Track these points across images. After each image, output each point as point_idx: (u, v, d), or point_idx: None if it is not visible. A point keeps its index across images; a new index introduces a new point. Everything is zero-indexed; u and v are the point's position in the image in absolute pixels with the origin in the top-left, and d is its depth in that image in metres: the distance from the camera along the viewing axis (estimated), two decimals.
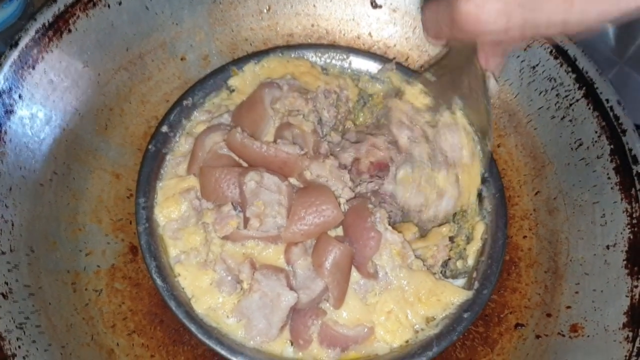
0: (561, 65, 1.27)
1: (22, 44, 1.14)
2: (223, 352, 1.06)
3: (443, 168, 1.16)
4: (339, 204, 1.11)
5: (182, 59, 1.36)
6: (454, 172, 1.16)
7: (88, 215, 1.21)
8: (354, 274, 1.11)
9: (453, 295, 1.14)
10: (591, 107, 1.23)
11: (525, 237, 1.29)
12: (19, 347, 1.01)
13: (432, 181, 1.15)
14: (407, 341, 1.11)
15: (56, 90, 1.19)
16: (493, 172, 1.25)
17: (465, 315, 1.12)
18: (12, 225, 1.09)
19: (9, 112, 1.13)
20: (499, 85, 1.16)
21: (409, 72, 1.34)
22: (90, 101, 1.24)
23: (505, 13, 0.80)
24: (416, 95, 1.23)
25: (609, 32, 1.58)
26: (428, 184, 1.15)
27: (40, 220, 1.14)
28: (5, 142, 1.11)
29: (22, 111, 1.14)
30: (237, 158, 1.17)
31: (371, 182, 1.22)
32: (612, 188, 1.19)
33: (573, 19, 0.76)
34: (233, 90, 1.30)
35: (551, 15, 0.77)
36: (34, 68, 1.16)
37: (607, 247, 1.17)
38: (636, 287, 1.10)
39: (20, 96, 1.14)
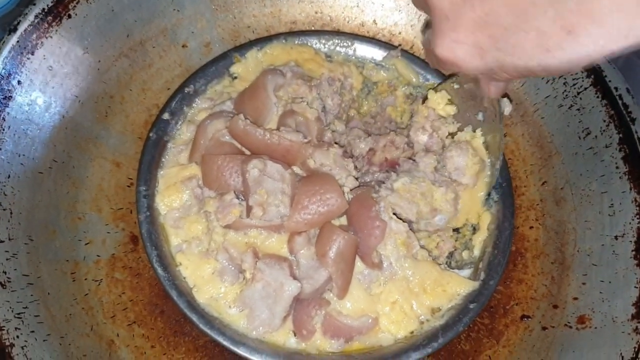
0: None
1: (21, 29, 1.12)
2: (225, 343, 1.04)
3: (444, 185, 1.15)
4: (343, 193, 1.09)
5: (183, 46, 1.34)
6: (454, 191, 1.15)
7: (88, 204, 1.20)
8: (358, 264, 1.09)
9: (459, 285, 1.12)
10: (600, 96, 1.21)
11: (531, 227, 1.27)
12: (17, 336, 0.99)
13: (429, 196, 1.14)
14: (412, 332, 1.10)
15: (56, 76, 1.17)
16: (500, 161, 1.23)
17: (471, 306, 1.11)
18: (11, 213, 1.07)
19: (8, 98, 1.11)
20: (511, 106, 1.16)
21: (414, 59, 1.32)
22: (90, 88, 1.22)
23: (477, 55, 0.78)
24: (440, 102, 1.23)
25: None
26: (424, 197, 1.13)
27: (40, 208, 1.12)
28: (3, 129, 1.09)
29: (21, 97, 1.12)
30: (239, 146, 1.15)
31: (378, 173, 1.21)
32: (620, 177, 1.17)
33: (552, 64, 0.73)
34: (235, 78, 1.28)
35: (527, 60, 0.74)
36: (33, 54, 1.14)
37: (616, 237, 1.15)
38: None
39: (19, 82, 1.12)
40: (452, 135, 1.23)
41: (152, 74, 1.31)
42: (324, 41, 1.32)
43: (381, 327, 1.09)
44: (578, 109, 1.24)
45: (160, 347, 1.14)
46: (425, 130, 1.23)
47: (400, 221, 1.10)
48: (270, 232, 1.09)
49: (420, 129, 1.24)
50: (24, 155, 1.11)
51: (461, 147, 1.17)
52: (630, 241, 1.13)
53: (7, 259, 1.04)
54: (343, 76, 1.28)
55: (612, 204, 1.17)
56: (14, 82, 1.12)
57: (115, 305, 1.14)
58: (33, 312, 1.03)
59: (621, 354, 1.05)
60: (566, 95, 1.25)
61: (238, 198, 1.10)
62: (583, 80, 1.23)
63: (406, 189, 1.13)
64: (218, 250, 1.08)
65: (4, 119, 1.10)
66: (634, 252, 1.11)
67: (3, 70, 1.10)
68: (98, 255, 1.17)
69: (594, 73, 1.22)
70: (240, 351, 1.04)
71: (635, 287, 1.09)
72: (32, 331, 1.01)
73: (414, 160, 1.19)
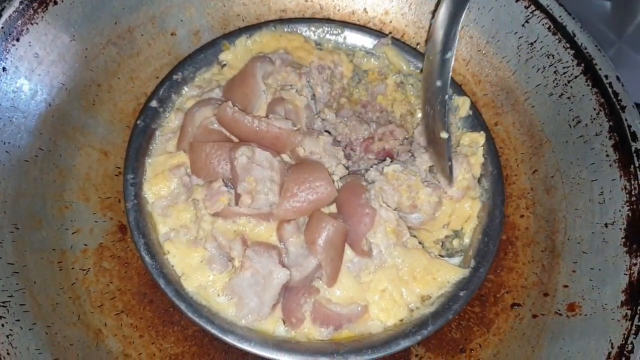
0: (560, 41, 1.24)
1: (5, 15, 1.11)
2: (213, 331, 1.03)
3: (431, 187, 1.15)
4: (333, 181, 1.08)
5: (172, 34, 1.33)
6: (439, 197, 1.15)
7: (75, 193, 1.18)
8: (348, 252, 1.09)
9: (449, 273, 1.12)
10: (590, 84, 1.21)
11: (522, 216, 1.27)
12: (2, 325, 0.98)
13: (415, 191, 1.13)
14: (401, 320, 1.09)
15: (42, 63, 1.16)
16: (491, 149, 1.23)
17: (462, 294, 1.10)
18: None
19: None
20: None
21: (405, 47, 1.31)
22: (77, 76, 1.21)
23: None
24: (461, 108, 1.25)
25: (608, 11, 1.56)
26: (409, 190, 1.13)
27: (25, 197, 1.10)
28: None
29: (6, 85, 1.11)
30: (227, 134, 1.14)
31: (374, 161, 1.21)
32: (610, 165, 1.17)
33: None
34: (224, 65, 1.27)
35: None
36: (18, 40, 1.12)
37: (606, 225, 1.15)
38: (635, 265, 1.08)
39: (4, 69, 1.11)
40: (457, 143, 1.24)
41: (141, 62, 1.30)
42: (313, 29, 1.32)
43: (371, 315, 1.09)
44: (568, 97, 1.23)
45: (149, 336, 1.13)
46: None
47: (390, 209, 1.10)
48: (259, 220, 1.08)
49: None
50: (9, 143, 1.10)
51: (457, 159, 1.17)
52: (620, 229, 1.13)
53: None
54: (333, 64, 1.28)
55: (602, 192, 1.17)
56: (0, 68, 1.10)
57: (103, 295, 1.13)
58: (18, 301, 1.02)
59: (611, 340, 1.05)
60: (556, 83, 1.25)
61: (227, 186, 1.10)
62: (573, 69, 1.23)
63: (395, 177, 1.12)
64: (206, 238, 1.07)
65: None
66: (623, 240, 1.11)
67: None
68: (85, 245, 1.15)
69: (584, 61, 1.22)
70: (229, 339, 1.03)
71: (624, 274, 1.09)
72: (18, 320, 1.00)
73: (412, 154, 1.18)
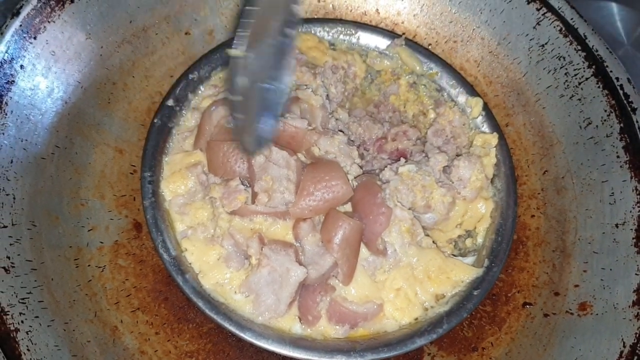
0: (571, 44, 1.26)
1: (23, 13, 1.11)
2: (231, 328, 1.04)
3: (445, 187, 1.15)
4: (348, 180, 1.09)
5: (186, 34, 1.33)
6: (453, 197, 1.16)
7: (91, 191, 1.19)
8: (363, 251, 1.10)
9: (463, 273, 1.13)
10: (601, 86, 1.22)
11: (533, 216, 1.28)
12: (22, 322, 0.99)
13: (429, 191, 1.14)
14: (416, 319, 1.10)
15: (58, 61, 1.16)
16: (503, 150, 1.24)
17: (475, 293, 1.12)
18: (14, 198, 1.06)
19: (10, 82, 1.10)
20: None
21: (418, 47, 1.32)
22: (93, 74, 1.21)
23: None
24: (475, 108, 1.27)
25: (615, 14, 1.57)
26: (423, 190, 1.14)
27: (42, 194, 1.11)
28: (6, 114, 1.08)
29: (23, 82, 1.11)
30: None
31: (388, 160, 1.22)
32: (621, 166, 1.18)
33: None
34: None
35: None
36: (35, 38, 1.13)
37: (616, 225, 1.16)
38: None
39: (21, 66, 1.11)
40: (470, 143, 1.25)
41: (155, 61, 1.31)
42: (327, 29, 1.33)
43: (386, 314, 1.10)
44: (579, 99, 1.25)
45: (164, 333, 1.13)
46: (444, 133, 1.25)
47: (405, 208, 1.11)
48: (275, 219, 1.09)
49: (439, 132, 1.25)
50: (26, 140, 1.11)
51: (471, 160, 1.18)
52: (631, 229, 1.14)
53: (10, 244, 1.03)
54: (346, 64, 1.29)
55: (612, 193, 1.18)
56: (17, 67, 1.11)
57: (118, 292, 1.14)
58: (37, 298, 1.03)
59: (623, 340, 1.06)
60: (567, 85, 1.26)
61: (243, 184, 1.10)
62: (584, 71, 1.24)
63: (410, 177, 1.13)
64: (223, 236, 1.08)
65: (6, 103, 1.09)
66: (634, 240, 1.13)
67: (6, 55, 1.10)
68: (101, 242, 1.16)
69: (596, 63, 1.23)
70: (247, 336, 1.04)
71: (636, 274, 1.10)
72: (36, 316, 1.01)
73: (426, 154, 1.19)
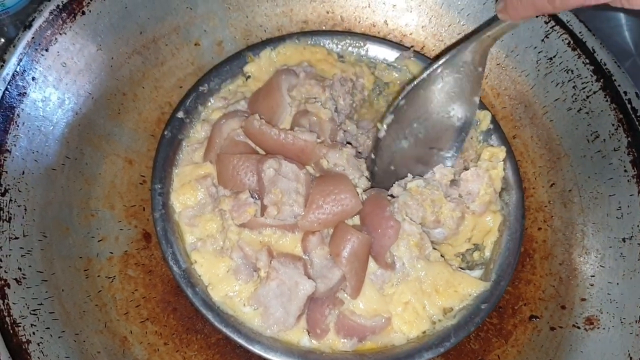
0: (579, 57, 1.26)
1: (36, 25, 1.12)
2: (240, 341, 1.05)
3: (454, 202, 1.16)
4: (357, 194, 1.10)
5: (195, 45, 1.34)
6: (462, 212, 1.16)
7: (101, 201, 1.20)
8: (371, 264, 1.11)
9: (470, 286, 1.14)
10: (609, 100, 1.22)
11: (539, 229, 1.28)
12: (34, 333, 0.99)
13: (438, 206, 1.15)
14: (424, 332, 1.11)
15: (69, 73, 1.17)
16: (511, 162, 1.24)
17: (483, 307, 1.12)
18: (25, 210, 1.07)
19: (23, 94, 1.11)
20: None
21: (427, 60, 1.33)
22: (103, 85, 1.22)
23: None
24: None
25: (624, 24, 1.58)
26: (432, 205, 1.14)
27: (53, 205, 1.12)
28: (18, 125, 1.09)
29: (35, 94, 1.12)
30: (253, 145, 1.16)
31: None
32: (628, 181, 1.18)
33: None
34: (249, 77, 1.28)
35: None
36: (47, 50, 1.14)
37: (623, 239, 1.17)
38: None
39: (33, 78, 1.12)
40: (478, 157, 1.26)
41: (165, 72, 1.31)
42: (336, 41, 1.33)
43: (394, 327, 1.10)
44: (587, 112, 1.25)
45: (173, 344, 1.14)
46: None
47: (414, 222, 1.12)
48: (284, 232, 1.10)
49: None
50: (37, 151, 1.12)
51: (478, 173, 1.18)
52: (638, 243, 1.15)
53: (22, 256, 1.04)
54: (355, 76, 1.29)
55: (619, 207, 1.19)
56: (29, 79, 1.12)
57: (128, 302, 1.15)
58: (48, 309, 1.03)
59: (630, 355, 1.07)
60: (575, 98, 1.27)
61: (253, 197, 1.11)
62: (592, 84, 1.24)
63: (418, 192, 1.13)
64: (233, 248, 1.09)
65: (18, 115, 1.10)
66: None
67: (18, 67, 1.10)
68: (111, 252, 1.17)
69: (604, 77, 1.23)
70: (255, 349, 1.05)
71: None
72: (47, 328, 1.02)
73: (432, 169, 1.20)
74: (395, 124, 1.20)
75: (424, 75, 1.17)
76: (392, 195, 1.14)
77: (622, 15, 1.59)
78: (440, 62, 1.15)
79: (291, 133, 1.11)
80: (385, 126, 1.20)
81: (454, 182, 1.18)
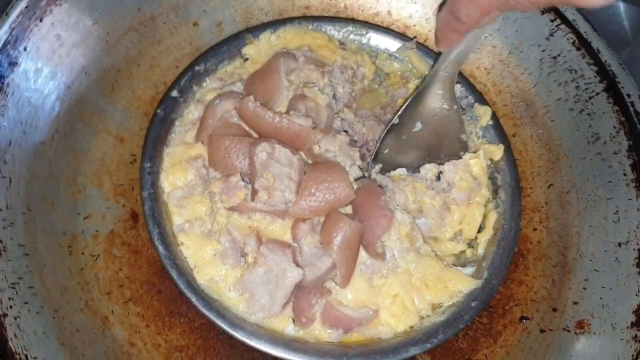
0: (583, 57, 1.24)
1: None
2: (223, 326, 1.03)
3: (435, 190, 1.16)
4: (351, 183, 1.07)
5: (194, 24, 1.32)
6: (443, 199, 1.15)
7: (89, 178, 1.17)
8: (362, 254, 1.08)
9: (461, 283, 1.11)
10: (611, 101, 1.20)
11: (535, 229, 1.26)
12: (11, 307, 0.97)
13: (420, 194, 1.14)
14: (411, 327, 1.09)
15: (63, 45, 1.14)
16: (509, 160, 1.22)
17: (473, 304, 1.10)
18: (10, 181, 1.05)
19: (13, 64, 1.08)
20: None
21: (429, 52, 1.30)
22: (97, 60, 1.20)
23: None
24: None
25: (622, 12, 1.56)
26: (414, 193, 1.14)
27: (39, 179, 1.09)
28: (7, 95, 1.07)
29: (26, 64, 1.10)
30: (247, 128, 1.14)
31: None
32: (627, 185, 1.16)
33: None
34: (247, 59, 1.26)
35: None
36: (41, 20, 1.11)
37: (619, 244, 1.14)
38: None
39: (25, 48, 1.09)
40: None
41: (161, 51, 1.29)
42: (338, 28, 1.31)
43: (381, 320, 1.08)
44: (589, 114, 1.23)
45: (155, 326, 1.12)
46: None
47: (406, 212, 1.10)
48: (274, 217, 1.08)
49: None
50: (26, 123, 1.09)
51: (455, 163, 1.18)
52: (634, 249, 1.12)
53: (3, 228, 1.01)
54: (356, 64, 1.27)
55: (617, 211, 1.16)
56: (21, 48, 1.09)
57: (111, 282, 1.12)
58: (27, 283, 1.01)
59: None
60: (577, 99, 1.25)
61: (244, 180, 1.09)
62: (595, 85, 1.22)
63: (400, 178, 1.13)
64: (221, 232, 1.07)
65: (8, 85, 1.07)
66: (636, 260, 1.11)
67: (10, 36, 1.08)
68: (96, 230, 1.15)
69: (607, 78, 1.21)
70: (239, 335, 1.02)
71: (636, 294, 1.09)
72: (26, 302, 0.99)
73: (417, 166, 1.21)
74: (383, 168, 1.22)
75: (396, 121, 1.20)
76: (381, 186, 1.12)
77: (620, 4, 1.57)
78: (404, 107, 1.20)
79: (286, 117, 1.09)
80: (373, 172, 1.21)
81: (438, 178, 1.17)
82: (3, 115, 1.06)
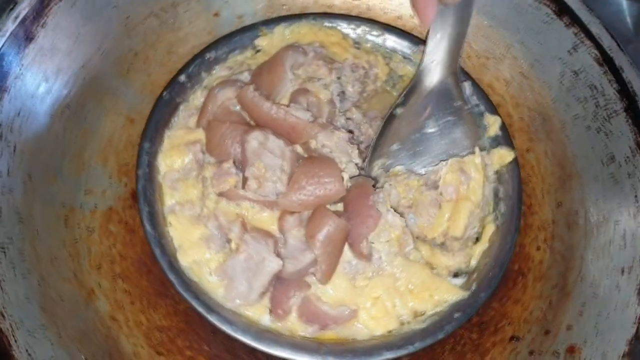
0: (605, 74, 1.19)
1: None
2: (198, 308, 1.03)
3: (426, 186, 1.14)
4: (343, 179, 1.06)
5: (215, 15, 1.33)
6: (434, 196, 1.13)
7: (95, 155, 1.20)
8: (348, 254, 1.07)
9: (447, 293, 1.08)
10: (630, 122, 1.15)
11: (538, 248, 1.22)
12: None
13: (413, 191, 1.13)
14: (390, 331, 1.07)
15: (82, 25, 1.17)
16: (514, 173, 1.18)
17: (456, 316, 1.07)
18: (14, 149, 1.08)
19: (30, 38, 1.11)
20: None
21: None
22: (115, 42, 1.23)
23: None
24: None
25: (625, 9, 1.51)
26: (407, 189, 1.13)
27: (44, 151, 1.12)
28: (22, 66, 1.10)
29: (43, 39, 1.13)
30: (248, 118, 1.14)
31: None
32: (638, 209, 1.11)
33: None
34: (259, 51, 1.26)
35: None
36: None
37: (622, 270, 1.09)
38: None
39: (43, 25, 1.13)
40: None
41: (180, 38, 1.31)
42: (353, 27, 1.30)
43: (359, 320, 1.06)
44: (605, 133, 1.18)
45: (140, 304, 1.13)
46: None
47: (398, 215, 1.08)
48: (262, 207, 1.08)
49: None
50: (37, 96, 1.12)
51: (449, 161, 1.16)
52: (637, 277, 1.07)
53: (2, 194, 1.05)
54: (368, 65, 1.26)
55: (624, 235, 1.11)
56: (39, 23, 1.13)
57: (103, 257, 1.15)
58: (18, 248, 1.04)
59: None
60: (596, 117, 1.20)
61: (237, 168, 1.09)
62: (615, 104, 1.17)
63: (396, 173, 1.13)
64: (209, 216, 1.08)
65: (23, 57, 1.11)
66: (638, 288, 1.06)
67: (29, 11, 1.11)
68: (95, 205, 1.17)
69: (628, 98, 1.16)
70: (212, 319, 1.03)
71: (633, 324, 1.04)
72: (13, 265, 1.02)
73: None
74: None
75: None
76: (375, 185, 1.11)
77: (623, 1, 1.52)
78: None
79: (284, 108, 1.09)
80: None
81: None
82: (15, 85, 1.10)
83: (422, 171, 1.16)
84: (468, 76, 1.26)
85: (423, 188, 1.13)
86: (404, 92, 1.20)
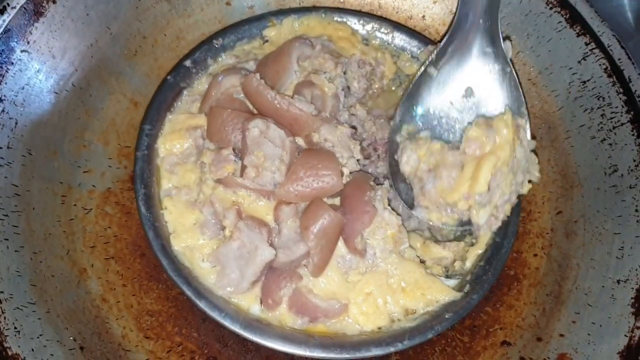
0: (613, 85, 1.18)
1: None
2: (188, 293, 1.03)
3: (449, 147, 1.09)
4: (342, 174, 1.06)
5: (227, 4, 1.33)
6: (456, 157, 1.07)
7: (96, 135, 1.20)
8: (342, 248, 1.06)
9: (440, 293, 1.08)
10: (635, 134, 1.14)
11: (535, 255, 1.21)
12: None
13: (434, 155, 1.08)
14: (379, 327, 1.06)
15: (92, 4, 1.17)
16: None
17: (447, 316, 1.06)
18: (16, 123, 1.08)
19: (39, 13, 1.12)
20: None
21: None
22: (125, 24, 1.23)
23: None
24: None
25: (626, 4, 1.50)
26: (428, 152, 1.09)
27: (47, 127, 1.13)
28: (29, 42, 1.11)
29: (52, 17, 1.13)
30: (250, 106, 1.14)
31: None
32: (637, 221, 1.10)
33: None
34: (267, 41, 1.26)
35: None
36: None
37: (618, 281, 1.08)
38: (638, 328, 1.02)
39: (54, 2, 1.13)
40: None
41: (190, 25, 1.31)
42: (363, 23, 1.29)
43: (349, 315, 1.06)
44: (610, 144, 1.17)
45: (131, 287, 1.13)
46: None
47: (394, 213, 1.07)
48: (259, 196, 1.07)
49: None
50: (43, 71, 1.13)
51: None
52: (632, 288, 1.06)
53: (0, 165, 1.05)
54: (375, 62, 1.25)
55: (622, 247, 1.10)
56: (49, 1, 1.13)
57: (97, 237, 1.15)
58: (12, 222, 1.04)
59: None
60: (601, 127, 1.19)
61: (236, 155, 1.09)
62: (621, 115, 1.16)
63: (419, 138, 1.12)
64: (205, 202, 1.07)
65: (31, 32, 1.11)
66: (633, 300, 1.05)
67: None
68: (94, 186, 1.17)
69: (634, 109, 1.15)
70: (202, 305, 1.02)
71: (625, 335, 1.03)
72: (6, 239, 1.02)
73: None
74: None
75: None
76: (375, 182, 1.10)
77: None
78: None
79: (287, 99, 1.08)
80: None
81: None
82: (21, 61, 1.10)
83: (450, 137, 1.13)
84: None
85: (446, 148, 1.08)
86: (439, 49, 1.16)
